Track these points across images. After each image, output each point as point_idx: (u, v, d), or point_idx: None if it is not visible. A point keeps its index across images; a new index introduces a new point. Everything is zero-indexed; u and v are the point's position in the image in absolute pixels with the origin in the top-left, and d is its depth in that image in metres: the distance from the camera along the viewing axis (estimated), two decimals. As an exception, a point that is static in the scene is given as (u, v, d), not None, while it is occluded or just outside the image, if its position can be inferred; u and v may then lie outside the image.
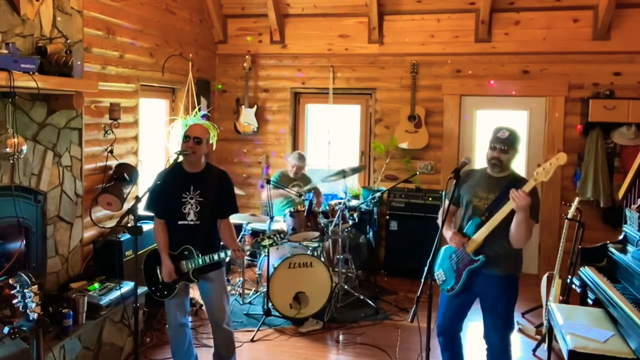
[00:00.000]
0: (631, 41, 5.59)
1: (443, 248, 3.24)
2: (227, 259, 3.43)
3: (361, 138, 6.61)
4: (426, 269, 2.87)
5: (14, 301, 2.28)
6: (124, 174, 4.32)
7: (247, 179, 6.72)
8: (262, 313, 4.57)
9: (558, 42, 5.79)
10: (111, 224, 4.49)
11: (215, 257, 3.22)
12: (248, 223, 5.20)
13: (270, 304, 4.51)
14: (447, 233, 3.14)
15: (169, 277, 3.24)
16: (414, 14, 6.15)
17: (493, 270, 3.03)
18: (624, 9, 5.56)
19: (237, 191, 5.43)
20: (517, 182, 2.98)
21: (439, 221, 3.22)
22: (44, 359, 2.96)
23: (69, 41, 3.54)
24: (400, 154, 6.24)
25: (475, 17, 5.97)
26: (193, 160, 3.28)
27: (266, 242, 3.27)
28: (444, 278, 3.19)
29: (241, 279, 5.11)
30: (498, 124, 3.14)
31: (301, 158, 5.59)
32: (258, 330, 4.39)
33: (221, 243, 3.42)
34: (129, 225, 3.55)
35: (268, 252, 4.52)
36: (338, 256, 5.09)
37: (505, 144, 2.98)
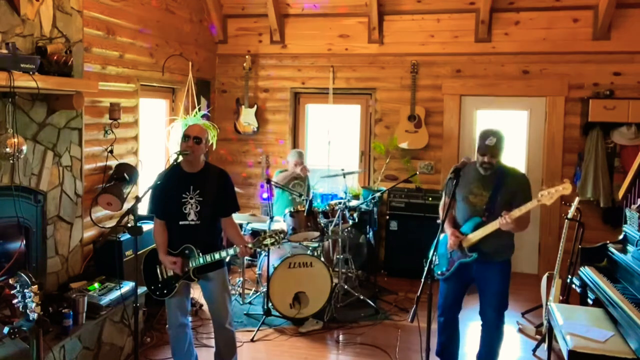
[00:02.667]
0: (631, 41, 5.59)
1: (442, 235, 3.46)
2: (228, 258, 3.41)
3: (361, 138, 6.61)
4: (426, 268, 2.89)
5: (14, 301, 2.27)
6: (124, 174, 4.32)
7: (247, 179, 6.72)
8: (262, 313, 4.58)
9: (558, 42, 5.79)
10: (111, 224, 4.49)
11: (217, 255, 3.22)
12: (248, 223, 5.20)
13: (270, 304, 4.51)
14: (448, 230, 3.39)
15: (175, 267, 3.23)
16: (414, 14, 6.15)
17: (488, 260, 3.30)
18: (624, 9, 5.56)
19: (237, 190, 5.45)
20: (507, 176, 3.27)
21: (440, 220, 3.39)
22: (44, 359, 2.97)
23: (69, 41, 3.54)
24: (400, 154, 6.24)
25: (475, 17, 5.97)
26: (192, 160, 3.28)
27: (268, 241, 3.24)
28: (437, 262, 3.41)
29: (241, 279, 5.11)
30: (485, 127, 3.43)
31: (300, 155, 5.61)
32: (258, 330, 4.39)
33: (223, 243, 3.42)
34: (129, 225, 3.55)
35: (268, 252, 4.52)
36: (338, 256, 5.08)
37: (494, 149, 3.20)
